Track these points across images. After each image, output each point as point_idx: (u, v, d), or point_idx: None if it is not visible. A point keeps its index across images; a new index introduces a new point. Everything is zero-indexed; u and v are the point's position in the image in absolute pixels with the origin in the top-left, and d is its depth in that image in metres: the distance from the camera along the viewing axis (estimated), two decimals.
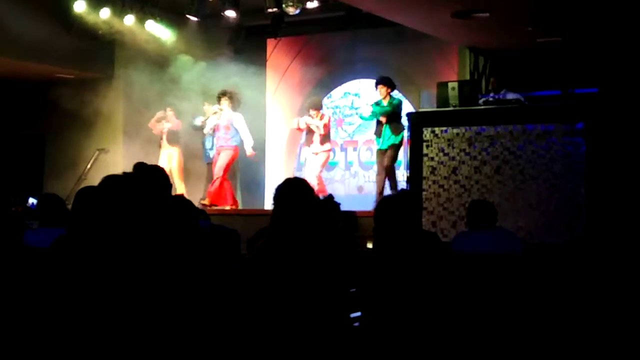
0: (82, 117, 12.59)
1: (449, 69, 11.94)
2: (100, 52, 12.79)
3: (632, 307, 4.41)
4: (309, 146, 11.17)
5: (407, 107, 11.26)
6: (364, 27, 11.92)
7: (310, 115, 11.12)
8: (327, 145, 11.13)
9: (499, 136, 8.67)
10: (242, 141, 11.24)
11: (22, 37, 11.04)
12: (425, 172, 8.97)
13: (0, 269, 4.22)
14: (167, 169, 11.42)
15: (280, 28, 12.20)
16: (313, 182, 10.75)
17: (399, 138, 10.17)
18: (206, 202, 10.86)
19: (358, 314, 3.93)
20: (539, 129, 8.49)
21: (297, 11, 11.19)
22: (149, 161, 4.68)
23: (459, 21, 9.81)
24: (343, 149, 12.86)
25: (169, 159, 11.83)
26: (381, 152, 10.42)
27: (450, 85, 9.35)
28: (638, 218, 7.66)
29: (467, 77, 11.50)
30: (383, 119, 10.30)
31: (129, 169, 4.21)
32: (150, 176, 4.28)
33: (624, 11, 9.38)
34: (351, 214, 7.94)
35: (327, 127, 11.09)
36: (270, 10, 11.51)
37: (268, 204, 12.37)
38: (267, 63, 13.63)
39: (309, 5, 11.13)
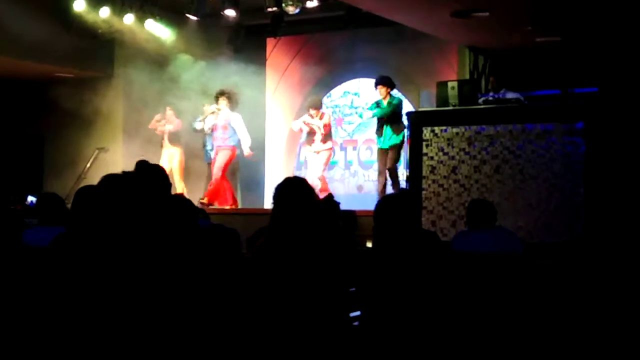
0: (81, 116, 12.60)
1: (449, 69, 11.94)
2: (100, 51, 12.80)
3: (631, 307, 4.41)
4: (310, 145, 11.19)
5: (406, 107, 11.25)
6: (363, 26, 11.92)
7: (310, 115, 11.13)
8: (329, 144, 11.19)
9: (499, 135, 8.67)
10: (240, 141, 11.25)
11: (22, 37, 11.04)
12: (425, 171, 8.97)
13: (0, 268, 4.23)
14: (167, 169, 11.49)
15: (280, 27, 12.20)
16: (316, 182, 10.78)
17: (400, 137, 10.18)
18: (205, 201, 10.86)
19: (358, 313, 3.93)
20: (539, 128, 8.49)
21: (297, 10, 11.19)
22: (149, 160, 4.68)
23: (459, 20, 9.81)
24: (343, 148, 12.85)
25: (170, 159, 11.84)
26: (382, 152, 10.44)
27: (449, 84, 9.35)
28: (637, 218, 7.66)
29: (467, 76, 11.50)
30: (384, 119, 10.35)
31: (128, 168, 4.21)
32: (149, 175, 4.28)
33: (623, 11, 9.38)
34: (351, 213, 7.95)
35: (327, 126, 11.13)
36: (270, 9, 11.51)
37: (268, 203, 12.37)
38: (267, 62, 13.63)
39: (309, 4, 11.13)
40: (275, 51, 13.60)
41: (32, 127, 13.77)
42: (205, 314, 3.63)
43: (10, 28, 10.86)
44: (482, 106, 9.34)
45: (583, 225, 8.07)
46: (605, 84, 10.30)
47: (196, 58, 12.34)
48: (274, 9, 11.46)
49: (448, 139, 8.91)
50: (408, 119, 9.63)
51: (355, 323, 3.89)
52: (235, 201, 11.56)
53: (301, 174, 12.54)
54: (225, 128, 11.12)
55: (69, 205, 3.99)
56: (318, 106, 11.25)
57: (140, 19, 12.01)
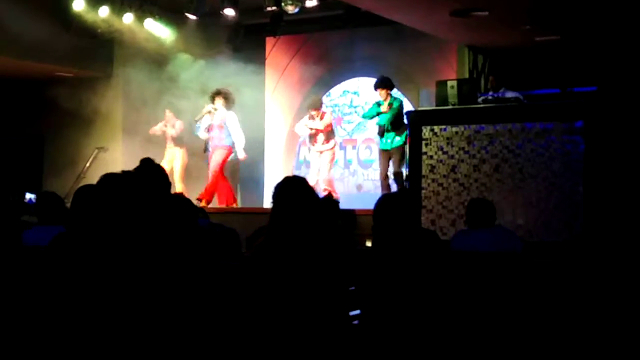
0: (81, 115, 12.60)
1: (448, 68, 11.93)
2: (99, 51, 12.80)
3: (630, 305, 4.42)
4: (313, 145, 11.25)
5: (406, 106, 11.25)
6: (362, 25, 11.92)
7: (311, 116, 11.17)
8: (332, 143, 11.27)
9: (498, 134, 8.67)
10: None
11: (21, 36, 11.04)
12: (425, 170, 8.97)
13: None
14: (169, 169, 11.51)
15: (279, 26, 12.20)
16: (322, 185, 10.81)
17: (402, 139, 10.18)
18: (202, 204, 10.83)
19: (357, 312, 3.93)
20: (538, 127, 8.49)
21: (296, 10, 11.20)
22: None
23: (458, 20, 9.81)
24: (342, 147, 12.85)
25: (172, 159, 11.86)
26: (384, 153, 10.46)
27: (449, 83, 9.36)
28: (636, 216, 7.67)
29: (466, 75, 11.50)
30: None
31: (128, 167, 4.21)
32: (149, 174, 4.29)
33: (622, 9, 9.38)
34: (350, 213, 7.93)
35: (329, 125, 11.19)
36: (269, 8, 11.51)
37: (267, 203, 12.37)
38: (266, 61, 13.63)
39: (308, 3, 11.13)
40: (275, 50, 13.60)
41: (32, 126, 13.77)
42: (204, 313, 3.64)
43: (9, 28, 10.86)
44: (481, 105, 9.34)
45: (582, 224, 8.08)
46: (604, 82, 10.30)
47: (195, 57, 12.34)
48: (273, 8, 11.47)
49: (447, 138, 8.91)
50: (407, 118, 9.63)
51: (355, 322, 3.90)
52: (234, 200, 11.56)
53: (301, 173, 12.56)
54: (221, 127, 11.12)
55: (68, 205, 3.99)
56: (318, 106, 11.27)
57: (140, 18, 12.01)
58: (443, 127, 8.95)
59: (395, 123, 10.25)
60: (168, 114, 11.90)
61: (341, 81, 13.16)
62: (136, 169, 4.44)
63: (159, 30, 12.17)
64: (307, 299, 3.50)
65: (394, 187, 10.38)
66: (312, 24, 12.67)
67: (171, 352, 3.39)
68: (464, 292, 4.31)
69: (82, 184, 4.38)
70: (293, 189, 3.68)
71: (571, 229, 8.16)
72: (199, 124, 11.27)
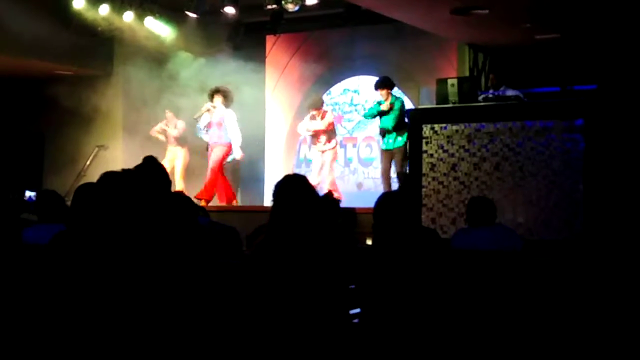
0: (81, 114, 12.60)
1: (448, 66, 11.93)
2: (100, 49, 12.79)
3: (630, 303, 4.42)
4: (315, 145, 11.29)
5: (406, 104, 11.26)
6: (363, 23, 11.91)
7: (312, 117, 11.21)
8: (333, 142, 11.32)
9: (498, 133, 8.67)
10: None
11: (21, 34, 11.03)
12: (425, 168, 8.97)
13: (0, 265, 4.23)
14: (170, 167, 11.53)
15: (280, 25, 12.19)
16: (326, 186, 10.84)
17: (404, 138, 10.17)
18: (202, 203, 10.81)
19: (357, 310, 3.93)
20: (538, 125, 8.49)
21: (297, 8, 11.19)
22: None
23: (458, 18, 9.80)
24: (342, 146, 12.83)
25: (174, 158, 11.88)
26: (386, 153, 10.48)
27: (449, 81, 9.35)
28: (636, 215, 7.67)
29: (467, 73, 11.49)
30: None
31: (128, 165, 4.21)
32: (150, 172, 4.28)
33: (622, 8, 9.38)
34: (350, 211, 7.94)
35: (330, 124, 11.24)
36: (269, 6, 11.51)
37: (267, 201, 12.37)
38: (267, 59, 13.62)
39: (308, 2, 11.12)
40: (275, 48, 13.59)
41: (32, 125, 13.76)
42: (205, 312, 3.64)
43: (9, 26, 10.85)
44: (481, 103, 9.33)
45: (582, 222, 8.08)
46: (604, 81, 10.29)
47: (196, 55, 12.34)
48: (274, 6, 11.47)
49: (448, 137, 8.90)
50: (407, 117, 9.62)
51: (355, 320, 3.90)
52: (234, 196, 11.56)
53: (301, 171, 12.56)
54: (220, 125, 11.12)
55: (68, 203, 3.99)
56: (319, 106, 11.32)
57: (140, 16, 12.01)
58: (443, 125, 8.95)
59: (398, 124, 10.26)
60: (168, 114, 11.93)
61: (341, 79, 13.15)
62: (137, 167, 4.44)
63: (159, 29, 12.17)
64: (308, 297, 3.50)
65: (394, 186, 10.38)
66: (313, 22, 12.67)
67: (171, 350, 3.39)
68: (464, 290, 4.31)
69: (82, 182, 4.37)
70: (293, 187, 3.68)
71: (571, 227, 8.16)
72: (200, 125, 11.27)
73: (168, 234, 3.76)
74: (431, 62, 12.06)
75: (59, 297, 3.26)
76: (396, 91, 11.00)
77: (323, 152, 11.27)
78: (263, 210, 10.15)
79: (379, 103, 10.50)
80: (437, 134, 8.97)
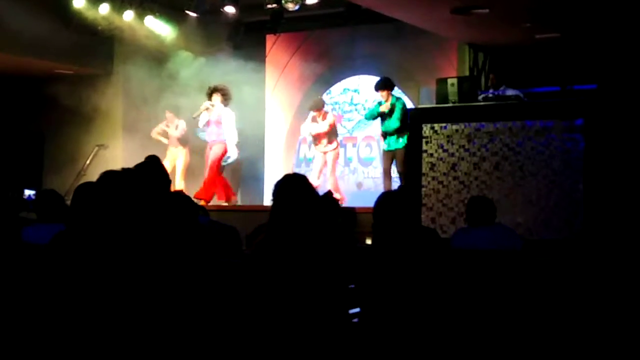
0: (81, 113, 12.60)
1: (449, 65, 11.93)
2: (100, 48, 12.79)
3: (630, 303, 4.42)
4: (317, 146, 11.37)
5: (406, 104, 11.27)
6: (363, 23, 11.91)
7: (313, 118, 11.23)
8: (335, 143, 11.42)
9: (498, 132, 8.67)
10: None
11: (21, 33, 11.03)
12: (425, 168, 8.97)
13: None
14: (171, 167, 11.54)
15: (280, 24, 12.19)
16: (329, 187, 10.87)
17: (405, 139, 10.18)
18: (202, 203, 10.81)
19: (357, 310, 3.93)
20: (538, 125, 8.49)
21: (297, 7, 11.19)
22: None
23: (458, 17, 9.80)
24: (342, 145, 12.82)
25: (175, 158, 11.88)
26: (388, 153, 10.49)
27: (449, 81, 9.35)
28: (636, 215, 7.67)
29: (467, 73, 11.49)
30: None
31: (128, 164, 4.22)
32: (149, 172, 4.29)
33: (622, 7, 9.38)
34: (350, 210, 7.94)
35: (332, 125, 11.29)
36: (269, 6, 11.52)
37: (267, 200, 12.37)
38: (267, 59, 13.62)
39: (308, 1, 11.12)
40: (275, 48, 13.59)
41: (32, 124, 13.76)
42: (204, 311, 3.64)
43: (10, 25, 10.85)
44: (481, 103, 9.34)
45: (582, 221, 8.08)
46: (604, 80, 10.29)
47: (196, 55, 12.34)
48: (274, 5, 11.47)
49: (447, 136, 8.91)
50: (402, 111, 9.63)
51: (355, 320, 3.90)
52: (233, 194, 11.55)
53: (301, 170, 12.57)
54: (218, 123, 11.13)
55: (68, 202, 3.99)
56: (320, 107, 11.37)
57: (140, 15, 12.01)
58: (443, 124, 8.95)
59: (400, 125, 10.27)
60: (168, 114, 11.95)
61: (342, 79, 13.15)
62: (136, 166, 4.44)
63: (159, 28, 12.17)
64: (307, 296, 3.50)
65: (395, 185, 10.40)
66: (313, 22, 12.67)
67: (171, 349, 3.39)
68: (464, 290, 4.31)
69: (82, 181, 4.37)
70: (293, 186, 3.68)
71: (571, 227, 8.16)
72: (200, 127, 11.28)
73: (168, 233, 3.76)
74: (431, 61, 12.06)
75: (59, 296, 3.26)
76: (396, 91, 10.99)
77: (325, 152, 11.34)
78: (263, 209, 10.15)
79: (380, 103, 10.51)
80: (437, 134, 8.97)
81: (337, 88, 13.19)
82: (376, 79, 10.81)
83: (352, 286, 3.90)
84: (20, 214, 6.95)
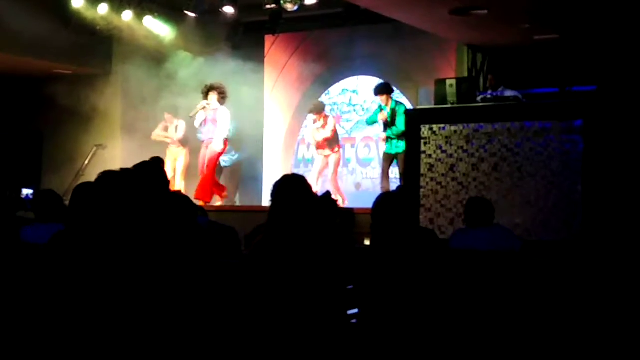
0: (80, 113, 12.59)
1: (447, 66, 11.93)
2: (98, 48, 12.79)
3: (629, 304, 4.42)
4: (317, 150, 11.48)
5: (405, 104, 11.28)
6: (362, 23, 11.91)
7: (314, 120, 11.27)
8: (337, 148, 11.53)
9: (497, 133, 8.67)
10: (229, 134, 11.30)
11: (20, 33, 11.03)
12: (423, 169, 8.97)
13: None
14: (171, 168, 11.54)
15: (279, 24, 12.19)
16: (331, 189, 10.91)
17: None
18: (201, 203, 10.81)
19: (355, 310, 3.93)
20: (537, 126, 8.49)
21: (296, 7, 11.19)
22: (146, 157, 4.69)
23: (457, 18, 9.80)
24: (341, 146, 12.85)
25: (175, 158, 11.88)
26: (388, 156, 10.53)
27: (448, 82, 9.35)
28: (635, 216, 7.67)
29: (465, 74, 11.49)
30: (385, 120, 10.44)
31: (127, 164, 4.21)
32: (148, 172, 4.28)
33: (621, 8, 9.38)
34: (349, 211, 7.94)
35: (334, 130, 11.33)
36: (268, 6, 11.51)
37: (266, 201, 12.36)
38: (265, 59, 13.61)
39: (307, 1, 11.12)
40: (274, 48, 13.59)
41: (31, 123, 13.76)
42: (203, 311, 3.63)
43: (9, 24, 10.85)
44: (480, 104, 9.34)
45: (581, 222, 8.08)
46: (603, 81, 10.29)
47: (194, 55, 12.34)
48: (273, 6, 11.46)
49: (446, 137, 8.91)
50: (406, 117, 9.63)
51: (353, 321, 3.90)
52: (222, 189, 11.51)
53: (299, 171, 12.56)
54: (215, 122, 11.15)
55: (67, 202, 3.99)
56: (320, 110, 11.40)
57: (139, 15, 12.00)
58: (442, 125, 8.95)
59: (405, 129, 10.30)
60: (167, 115, 11.95)
61: (340, 79, 13.15)
62: (135, 166, 4.44)
63: (158, 28, 12.16)
64: (306, 297, 3.50)
65: (393, 186, 10.41)
66: (312, 22, 12.66)
67: (170, 350, 3.39)
68: (462, 291, 4.31)
69: (80, 181, 4.37)
70: (292, 187, 3.68)
71: (570, 228, 8.16)
72: (196, 124, 11.28)
73: (167, 234, 3.76)
74: (430, 62, 12.06)
75: (58, 296, 3.26)
76: (396, 92, 11.01)
77: (327, 156, 11.42)
78: (261, 210, 10.15)
79: (381, 107, 10.56)
80: (436, 135, 8.97)
81: (335, 89, 13.19)
82: (375, 79, 10.84)
83: (351, 287, 3.90)
84: (18, 213, 6.94)
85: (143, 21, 12.04)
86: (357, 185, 12.79)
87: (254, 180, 13.44)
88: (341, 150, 11.86)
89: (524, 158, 8.50)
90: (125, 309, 3.25)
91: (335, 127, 11.53)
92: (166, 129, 12.05)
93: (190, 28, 12.02)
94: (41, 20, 11.20)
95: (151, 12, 12.04)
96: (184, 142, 12.00)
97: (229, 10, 11.59)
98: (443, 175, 8.87)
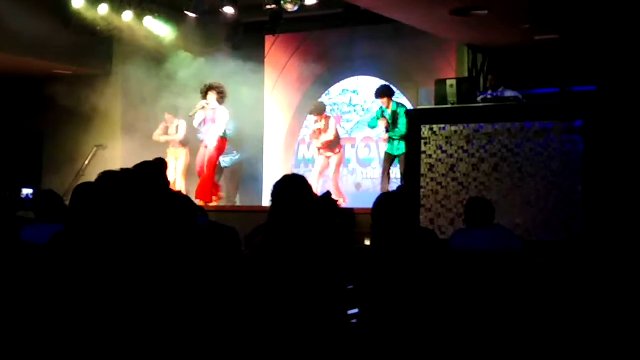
0: (80, 113, 12.60)
1: (448, 66, 11.93)
2: (99, 48, 12.79)
3: (629, 304, 4.42)
4: (320, 150, 11.49)
5: (404, 104, 11.29)
6: (362, 24, 11.91)
7: (315, 121, 11.27)
8: (338, 149, 11.51)
9: (497, 134, 8.67)
10: (228, 132, 11.31)
11: (21, 33, 11.03)
12: (423, 169, 8.97)
13: None
14: (172, 168, 11.54)
15: (279, 25, 12.19)
16: (332, 190, 10.93)
17: None
18: (202, 204, 10.82)
19: (355, 311, 3.93)
20: (537, 126, 8.49)
21: (296, 8, 11.19)
22: (146, 158, 4.68)
23: (458, 18, 9.81)
24: (342, 146, 12.85)
25: (176, 158, 11.89)
26: (390, 157, 10.53)
27: (448, 82, 9.35)
28: (635, 216, 7.67)
29: (466, 74, 11.50)
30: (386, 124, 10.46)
31: (127, 165, 4.21)
32: (148, 172, 4.28)
33: (621, 8, 9.38)
34: (349, 211, 7.94)
35: (336, 132, 11.36)
36: (268, 6, 11.51)
37: (266, 201, 12.37)
38: (265, 60, 13.61)
39: (308, 2, 11.12)
40: (274, 48, 13.59)
41: (31, 124, 13.76)
42: (203, 311, 3.63)
43: (9, 25, 10.85)
44: (480, 104, 9.34)
45: (581, 223, 8.08)
46: (603, 82, 10.30)
47: (195, 55, 12.34)
48: (273, 6, 11.47)
49: (446, 137, 8.91)
50: (406, 117, 9.63)
51: (354, 321, 3.90)
52: (218, 188, 11.52)
53: (300, 171, 12.56)
54: (214, 121, 11.16)
55: (67, 202, 3.99)
56: (321, 112, 11.40)
57: (139, 16, 12.01)
58: (442, 126, 8.95)
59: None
60: (167, 116, 11.95)
61: (340, 80, 13.15)
62: (135, 166, 4.44)
63: (158, 28, 12.17)
64: (306, 297, 3.50)
65: (393, 186, 10.42)
66: (312, 23, 12.67)
67: (170, 350, 3.39)
68: (462, 291, 4.31)
69: (81, 181, 4.37)
70: (292, 187, 3.68)
71: (570, 229, 8.16)
72: (195, 124, 11.29)
73: (167, 234, 3.76)
74: (430, 62, 12.06)
75: (58, 296, 3.26)
76: (397, 94, 11.02)
77: (329, 157, 11.43)
78: (262, 210, 10.15)
79: (382, 110, 10.57)
80: (436, 135, 8.97)
81: (336, 89, 13.19)
82: (375, 80, 10.85)
83: (351, 287, 3.90)
84: (18, 213, 6.94)
85: (143, 21, 12.04)
86: (358, 186, 12.79)
87: (254, 180, 13.44)
88: (342, 152, 11.86)
89: (524, 158, 8.50)
90: (126, 309, 3.25)
91: (336, 128, 11.54)
92: (166, 129, 12.05)
93: (190, 28, 12.02)
94: (41, 20, 11.21)
95: (151, 12, 12.05)
96: (184, 142, 12.01)
97: (229, 10, 11.59)
98: (443, 175, 8.87)
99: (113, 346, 3.21)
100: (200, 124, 11.23)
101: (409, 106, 11.39)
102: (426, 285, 3.84)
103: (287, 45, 13.49)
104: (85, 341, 3.19)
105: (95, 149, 13.13)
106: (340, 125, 12.84)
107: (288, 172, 10.54)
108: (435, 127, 8.98)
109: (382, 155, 11.28)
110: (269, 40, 13.46)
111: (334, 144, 11.46)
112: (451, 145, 8.87)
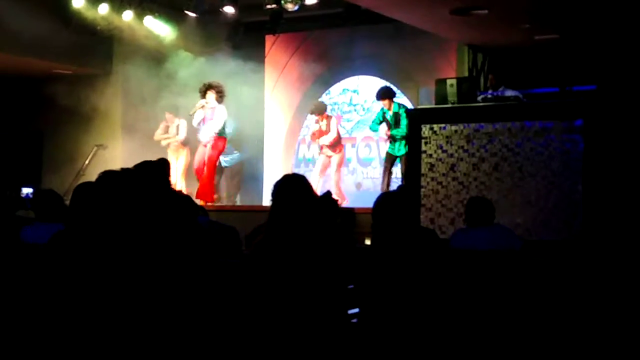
0: (80, 113, 12.60)
1: (448, 66, 11.93)
2: (99, 48, 12.80)
3: (629, 304, 4.42)
4: (321, 150, 11.51)
5: (405, 104, 11.29)
6: (362, 23, 11.91)
7: (316, 121, 11.27)
8: (339, 148, 11.53)
9: (497, 133, 8.68)
10: (228, 132, 11.31)
11: (21, 33, 11.03)
12: (424, 169, 8.98)
13: None
14: (173, 168, 11.52)
15: (279, 24, 12.19)
16: (333, 190, 10.94)
17: None
18: (202, 203, 10.82)
19: (356, 310, 3.93)
20: (537, 126, 8.49)
21: (296, 7, 11.19)
22: (147, 157, 4.68)
23: (458, 18, 9.81)
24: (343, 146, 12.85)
25: (176, 158, 11.89)
26: (391, 157, 10.54)
27: (448, 82, 9.36)
28: (635, 215, 7.67)
29: (466, 74, 11.49)
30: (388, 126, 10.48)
31: (127, 164, 4.21)
32: (148, 171, 4.28)
33: (621, 8, 9.38)
34: (349, 211, 7.94)
35: (337, 132, 11.39)
36: (269, 6, 11.52)
37: (266, 200, 12.37)
38: (266, 59, 13.61)
39: (308, 1, 11.12)
40: (274, 48, 13.59)
41: (31, 123, 13.77)
42: (204, 311, 3.63)
43: (9, 24, 10.85)
44: (480, 104, 9.34)
45: (581, 222, 8.09)
46: (603, 81, 10.30)
47: (195, 55, 12.34)
48: (273, 5, 11.47)
49: (447, 137, 8.91)
50: (407, 117, 9.63)
51: (354, 320, 3.90)
52: (213, 191, 11.52)
53: (300, 170, 12.57)
54: (212, 120, 11.16)
55: (67, 202, 3.99)
56: (322, 111, 11.40)
57: (139, 15, 12.01)
58: (442, 125, 8.95)
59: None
60: (168, 115, 11.96)
61: (341, 79, 13.15)
62: (135, 166, 4.44)
63: (158, 28, 12.17)
64: (306, 297, 3.50)
65: (393, 186, 10.42)
66: (312, 22, 12.66)
67: (170, 349, 3.39)
68: (463, 290, 4.31)
69: (81, 181, 4.37)
70: (292, 187, 3.68)
71: (570, 228, 8.16)
72: (194, 123, 11.29)
73: (167, 233, 3.76)
74: (430, 62, 12.06)
75: (58, 296, 3.26)
76: (398, 94, 11.02)
77: (330, 157, 11.43)
78: (262, 209, 10.15)
79: (384, 111, 10.57)
80: (436, 134, 8.97)
81: (336, 88, 13.19)
82: (376, 79, 10.85)
83: (351, 286, 3.90)
84: (17, 212, 6.94)
85: (143, 21, 12.04)
86: (358, 185, 12.79)
87: (254, 180, 13.43)
88: (343, 150, 11.87)
89: (525, 158, 8.50)
90: (126, 309, 3.25)
91: (338, 129, 11.55)
92: (167, 128, 12.05)
93: (190, 28, 12.02)
94: (41, 20, 11.20)
95: (151, 12, 12.05)
96: (184, 142, 12.01)
97: (229, 10, 11.59)
98: (444, 174, 8.88)
99: (113, 346, 3.21)
100: (199, 123, 11.24)
101: (410, 106, 11.39)
102: (426, 284, 3.84)
103: (287, 44, 13.49)
104: (85, 341, 3.19)
105: (95, 148, 13.13)
106: (341, 125, 12.84)
107: (288, 171, 10.53)
108: (435, 127, 8.98)
109: (383, 155, 11.28)
110: (269, 39, 13.46)
111: (335, 144, 11.48)
112: (451, 144, 8.87)
